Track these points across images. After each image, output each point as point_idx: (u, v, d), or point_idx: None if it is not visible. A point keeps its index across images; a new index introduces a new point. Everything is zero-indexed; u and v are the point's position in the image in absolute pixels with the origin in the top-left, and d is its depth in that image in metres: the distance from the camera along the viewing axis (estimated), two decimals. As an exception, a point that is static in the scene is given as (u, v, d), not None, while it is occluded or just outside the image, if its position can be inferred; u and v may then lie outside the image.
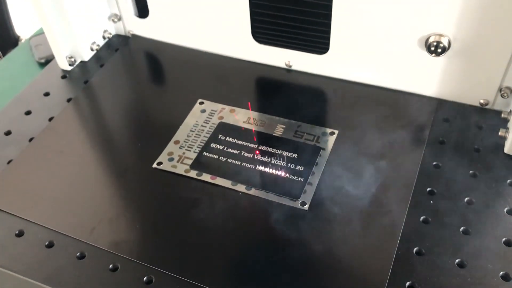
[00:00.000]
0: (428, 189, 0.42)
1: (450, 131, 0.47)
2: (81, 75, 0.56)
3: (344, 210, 0.41)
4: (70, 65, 0.57)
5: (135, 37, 0.60)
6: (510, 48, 0.44)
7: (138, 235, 0.41)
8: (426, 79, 0.49)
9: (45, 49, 0.64)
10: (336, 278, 0.37)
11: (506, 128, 0.46)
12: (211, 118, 0.50)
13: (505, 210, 0.41)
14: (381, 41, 0.48)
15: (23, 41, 0.90)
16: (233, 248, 0.39)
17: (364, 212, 0.41)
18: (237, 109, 0.50)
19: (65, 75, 0.57)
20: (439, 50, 0.45)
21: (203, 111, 0.51)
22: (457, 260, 0.38)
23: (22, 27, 0.95)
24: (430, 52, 0.46)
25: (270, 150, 0.46)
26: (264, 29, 0.53)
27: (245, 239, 0.40)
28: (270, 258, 0.38)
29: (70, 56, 0.57)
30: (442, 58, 0.46)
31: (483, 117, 0.48)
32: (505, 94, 0.46)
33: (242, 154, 0.46)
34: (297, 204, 0.41)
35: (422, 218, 0.40)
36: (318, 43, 0.51)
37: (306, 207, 0.41)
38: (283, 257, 0.38)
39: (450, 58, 0.47)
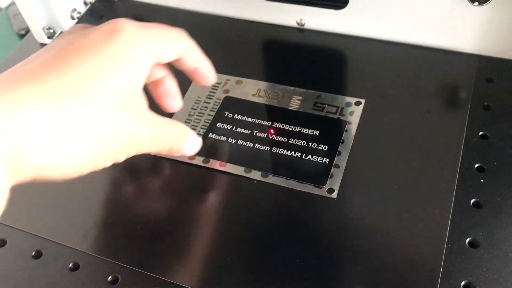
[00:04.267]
0: (477, 165, 0.36)
1: (496, 93, 0.40)
2: (62, 49, 0.49)
3: (379, 197, 0.35)
4: (48, 37, 0.50)
5: (121, 0, 0.52)
6: None
7: (139, 239, 0.35)
8: (464, 32, 0.42)
9: (23, 19, 0.57)
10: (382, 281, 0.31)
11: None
12: (214, 92, 0.43)
13: None
14: (411, -10, 0.41)
15: (0, 11, 0.83)
16: (251, 248, 0.33)
17: (403, 199, 0.34)
18: (244, 79, 0.43)
19: (44, 49, 0.50)
20: (484, -3, 0.38)
21: (205, 84, 0.44)
22: (519, 252, 0.32)
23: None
24: (472, 0, 0.38)
25: (287, 127, 0.39)
26: (271, -17, 0.45)
27: (263, 236, 0.34)
28: (292, 259, 0.32)
29: (48, 27, 0.49)
30: (486, 6, 0.39)
31: (534, 74, 0.41)
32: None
33: (255, 134, 0.39)
34: (323, 191, 0.35)
35: (472, 201, 0.34)
36: (335, -4, 0.44)
37: (335, 194, 0.35)
38: (308, 256, 0.32)
39: (496, 5, 0.39)
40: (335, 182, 0.36)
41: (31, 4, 0.47)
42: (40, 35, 0.49)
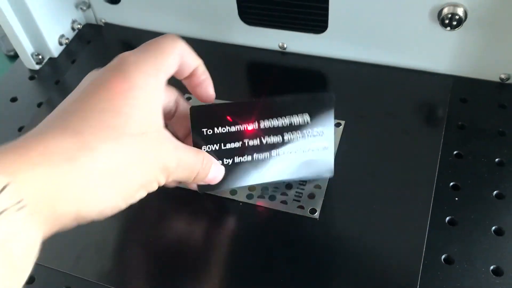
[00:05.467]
0: (452, 183, 0.38)
1: (470, 112, 0.42)
2: (51, 75, 0.50)
3: (359, 216, 0.36)
4: (37, 63, 0.51)
5: (108, 25, 0.54)
6: (535, 15, 0.39)
7: (131, 263, 0.36)
8: (439, 54, 0.44)
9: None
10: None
11: (533, 107, 0.41)
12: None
13: (540, 202, 0.36)
14: (387, 15, 0.42)
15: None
16: (235, 268, 0.35)
17: (382, 218, 0.36)
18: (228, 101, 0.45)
19: (33, 75, 0.50)
20: (455, 23, 0.40)
21: (191, 107, 0.45)
22: (492, 267, 0.33)
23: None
24: (444, 25, 0.40)
25: (275, 121, 0.35)
26: (253, 8, 0.47)
27: (247, 256, 0.35)
28: (277, 277, 0.33)
29: (36, 53, 0.50)
30: (457, 31, 0.41)
31: (505, 94, 0.43)
32: (529, 67, 0.41)
33: (246, 143, 0.35)
34: (305, 212, 0.36)
35: (448, 219, 0.36)
36: (315, 21, 0.45)
37: (316, 215, 0.36)
38: (293, 274, 0.34)
39: (466, 30, 0.41)
40: (317, 203, 0.37)
41: (18, 32, 0.48)
42: (29, 61, 0.50)
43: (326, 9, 0.44)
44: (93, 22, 0.55)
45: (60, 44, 0.52)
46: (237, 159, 0.35)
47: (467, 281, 0.33)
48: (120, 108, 0.27)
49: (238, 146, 0.35)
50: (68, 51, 0.52)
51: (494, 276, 0.33)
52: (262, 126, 0.35)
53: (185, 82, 0.35)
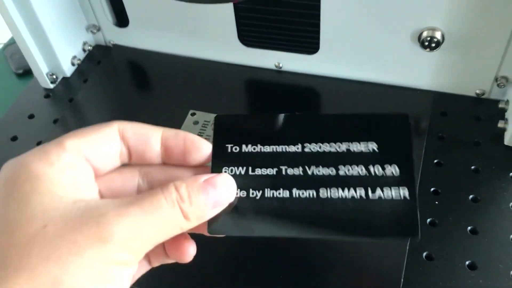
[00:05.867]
0: (432, 189, 0.42)
1: (449, 125, 0.47)
2: (65, 93, 0.54)
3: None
4: (52, 82, 0.55)
5: (116, 47, 0.58)
6: (505, 38, 0.43)
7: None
8: (421, 73, 0.48)
9: (22, 59, 0.59)
10: None
11: (505, 119, 0.45)
12: (205, 130, 0.48)
13: (510, 205, 0.40)
14: (372, 38, 0.47)
15: (-3, 50, 0.86)
16: None
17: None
18: (230, 117, 0.49)
19: (48, 94, 0.55)
20: (433, 45, 0.44)
21: (196, 122, 0.49)
22: (467, 262, 0.37)
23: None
24: (424, 47, 0.45)
25: (327, 147, 0.26)
26: (251, 31, 0.51)
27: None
28: None
29: (51, 73, 0.54)
30: (436, 52, 0.45)
31: (480, 107, 0.48)
32: (502, 84, 0.46)
33: (283, 171, 0.26)
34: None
35: (428, 220, 0.40)
36: (308, 43, 0.50)
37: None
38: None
39: (444, 51, 0.45)
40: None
41: (35, 52, 0.52)
42: (44, 81, 0.54)
43: (317, 32, 0.48)
44: (103, 43, 0.59)
45: (73, 64, 0.56)
46: (268, 193, 0.25)
47: (446, 276, 0.37)
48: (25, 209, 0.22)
49: (272, 173, 0.26)
50: (80, 71, 0.56)
51: (469, 271, 0.37)
52: (307, 150, 0.26)
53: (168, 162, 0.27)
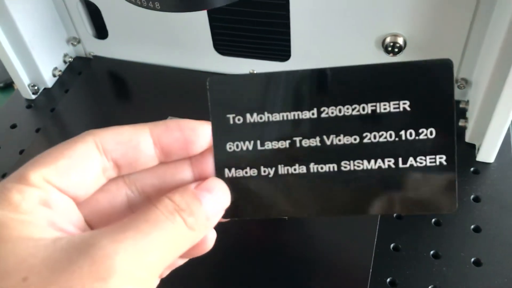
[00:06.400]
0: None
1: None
2: (46, 103, 0.56)
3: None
4: (33, 93, 0.56)
5: (96, 58, 0.60)
6: (462, 41, 0.46)
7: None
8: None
9: (3, 72, 0.60)
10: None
11: (466, 118, 0.48)
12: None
13: (471, 197, 0.43)
14: (340, 46, 0.50)
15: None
16: None
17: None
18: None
19: (30, 104, 0.56)
20: (396, 50, 0.47)
21: (174, 128, 0.51)
22: (432, 252, 0.40)
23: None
24: (388, 52, 0.48)
25: (348, 111, 0.22)
26: (225, 40, 0.54)
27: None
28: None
29: (32, 84, 0.56)
30: (399, 56, 0.48)
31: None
32: (462, 85, 0.49)
33: (298, 143, 0.22)
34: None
35: (392, 245, 0.43)
36: (280, 50, 0.53)
37: None
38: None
39: (407, 55, 0.48)
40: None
41: (16, 65, 0.54)
42: (26, 92, 0.56)
43: (288, 40, 0.51)
44: (83, 55, 0.61)
45: (54, 75, 0.58)
46: (282, 170, 0.22)
47: (412, 265, 0.39)
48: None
49: (284, 146, 0.22)
50: (61, 81, 0.58)
51: (433, 259, 0.39)
52: (324, 115, 0.22)
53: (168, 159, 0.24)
